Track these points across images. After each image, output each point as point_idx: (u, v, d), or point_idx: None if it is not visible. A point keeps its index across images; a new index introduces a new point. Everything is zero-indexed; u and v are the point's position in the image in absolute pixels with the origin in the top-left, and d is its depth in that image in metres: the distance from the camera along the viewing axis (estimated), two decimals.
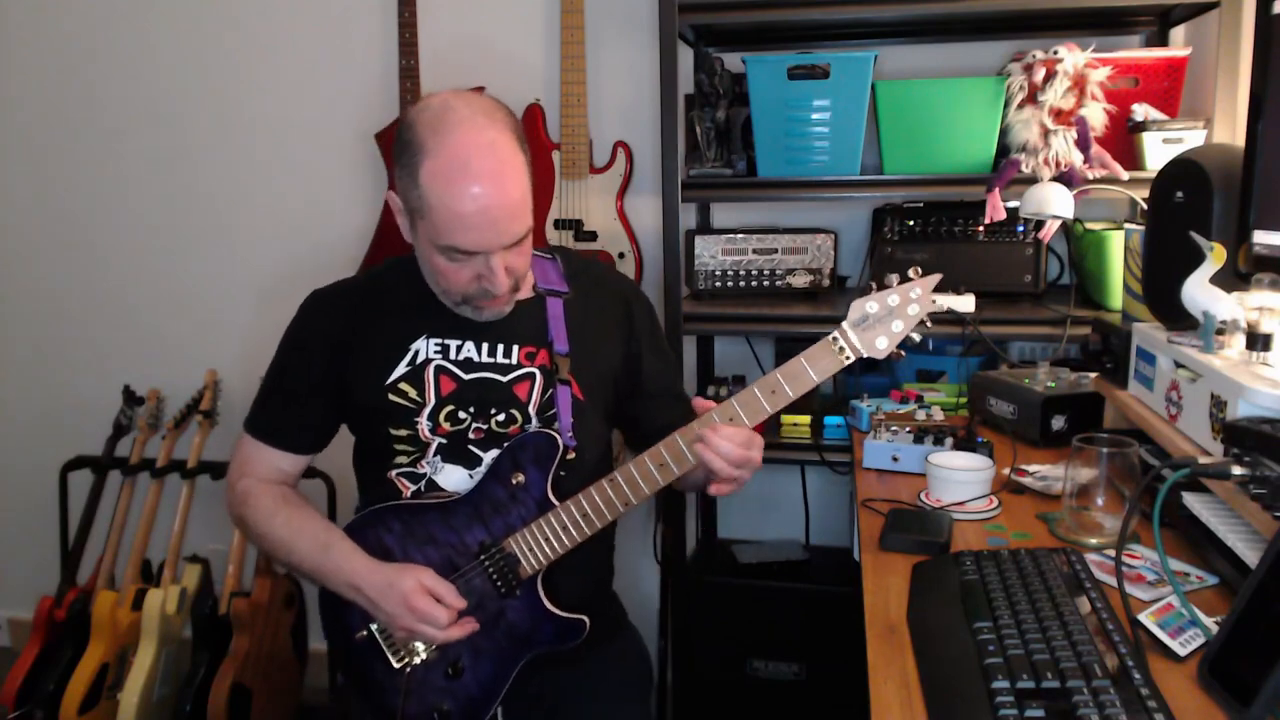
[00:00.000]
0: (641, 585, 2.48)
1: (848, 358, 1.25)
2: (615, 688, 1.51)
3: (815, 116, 2.00)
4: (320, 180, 2.62)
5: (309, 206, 2.64)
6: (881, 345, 1.25)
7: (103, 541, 2.52)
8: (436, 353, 1.41)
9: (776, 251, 2.15)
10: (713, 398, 2.19)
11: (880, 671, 0.98)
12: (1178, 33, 2.13)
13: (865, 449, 1.63)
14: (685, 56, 2.25)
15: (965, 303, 1.96)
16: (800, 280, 2.15)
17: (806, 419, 2.05)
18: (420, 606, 1.29)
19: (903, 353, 1.27)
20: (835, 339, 1.26)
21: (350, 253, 2.52)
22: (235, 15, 2.61)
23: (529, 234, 1.31)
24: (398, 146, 1.29)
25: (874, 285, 1.27)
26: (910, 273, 1.27)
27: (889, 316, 1.24)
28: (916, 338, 1.26)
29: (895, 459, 1.60)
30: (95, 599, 2.41)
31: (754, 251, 2.15)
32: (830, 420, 2.00)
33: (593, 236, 2.35)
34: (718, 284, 2.16)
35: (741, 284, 2.16)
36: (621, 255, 2.35)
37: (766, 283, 2.16)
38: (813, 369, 1.25)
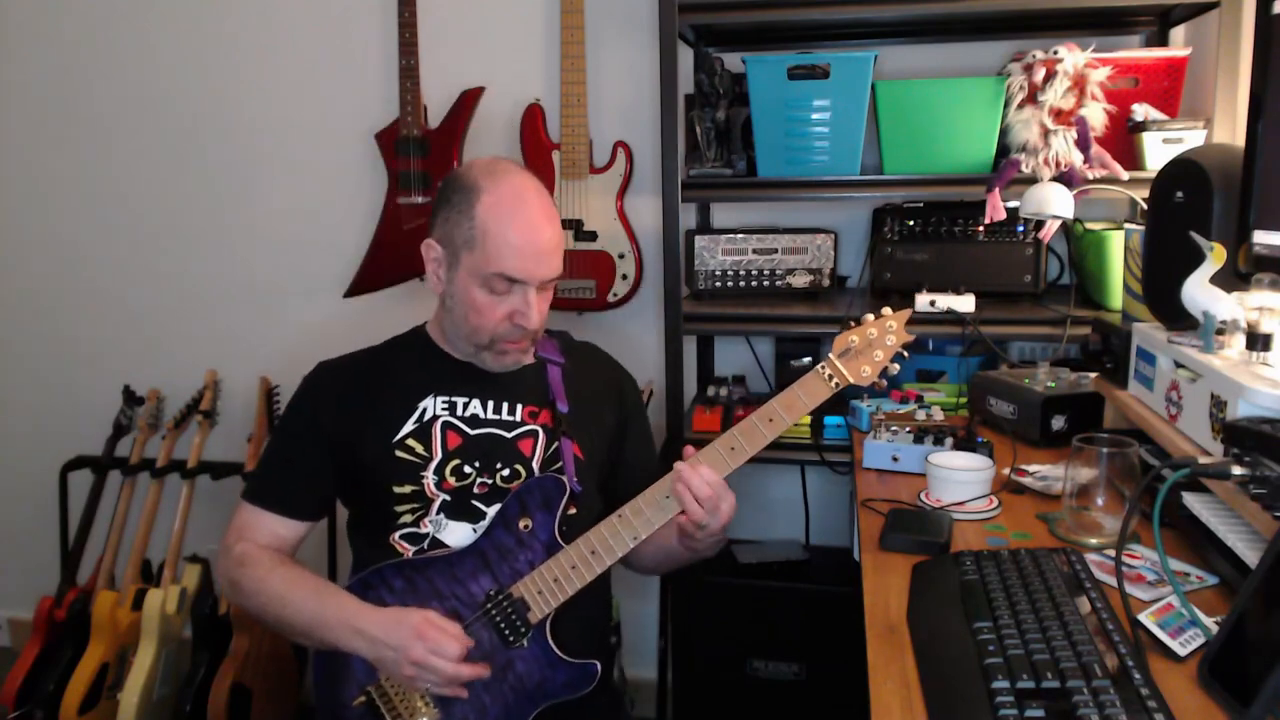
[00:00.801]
0: (642, 585, 2.48)
1: (837, 385, 1.35)
2: None
3: (815, 116, 2.00)
4: (320, 180, 2.62)
5: (309, 206, 2.64)
6: (866, 373, 1.35)
7: (103, 541, 2.52)
8: (444, 409, 1.44)
9: (776, 251, 2.15)
10: (712, 398, 2.21)
11: (880, 671, 0.98)
12: (1178, 33, 2.13)
13: (865, 449, 1.64)
14: (685, 56, 2.25)
15: (965, 303, 1.97)
16: (800, 280, 2.15)
17: (806, 419, 2.04)
18: (432, 636, 1.26)
19: (884, 382, 1.37)
20: (824, 368, 1.35)
21: (350, 252, 2.52)
22: (235, 15, 2.60)
23: (557, 280, 1.43)
24: (445, 193, 1.40)
25: (852, 322, 1.38)
26: (884, 310, 1.38)
27: (869, 348, 1.36)
28: (897, 367, 1.36)
29: (895, 459, 1.60)
30: (95, 599, 2.40)
31: (754, 251, 2.15)
32: (830, 420, 2.00)
33: (593, 237, 2.35)
34: (718, 284, 2.16)
35: (741, 284, 2.16)
36: (621, 255, 2.35)
37: (766, 283, 2.16)
38: (806, 397, 1.35)
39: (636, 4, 2.37)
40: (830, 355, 1.36)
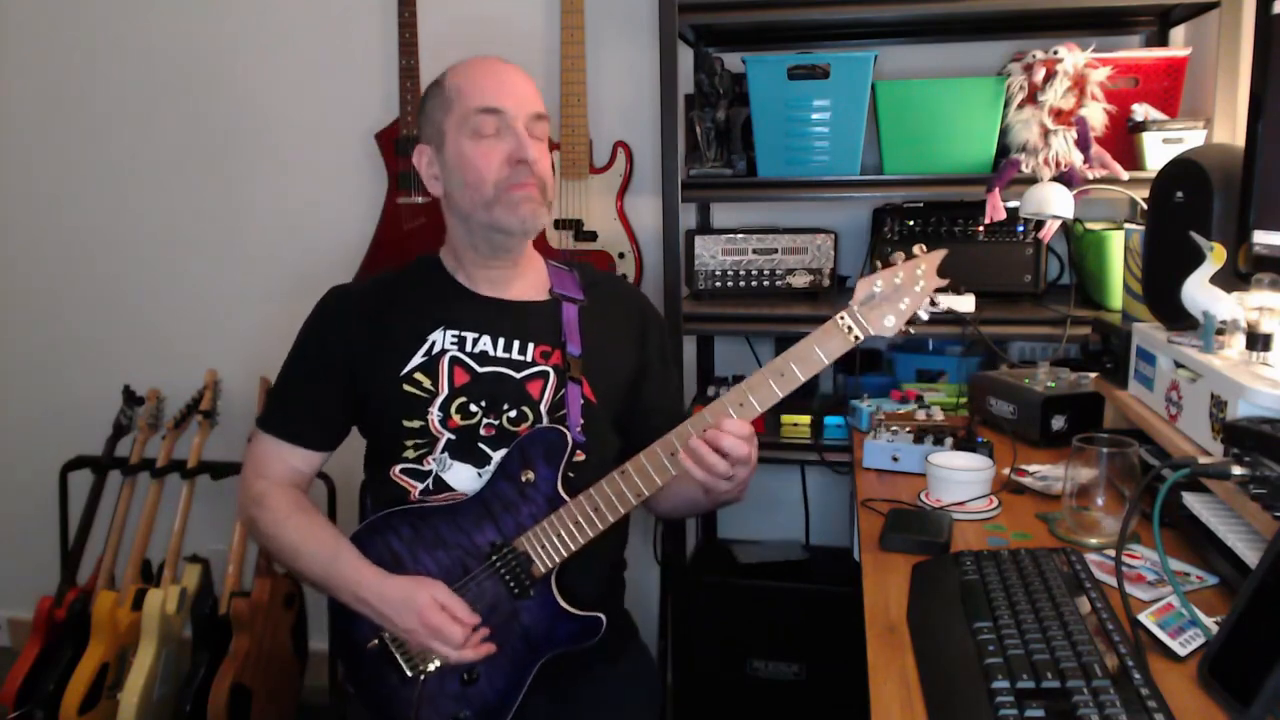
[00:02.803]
0: (641, 585, 2.48)
1: (856, 337, 1.24)
2: (626, 709, 1.50)
3: (815, 116, 2.00)
4: (320, 180, 2.62)
5: (309, 206, 2.64)
6: (889, 323, 1.23)
7: (103, 541, 2.52)
8: (453, 344, 1.42)
9: (776, 251, 2.15)
10: (713, 397, 2.21)
11: (880, 671, 0.98)
12: (1178, 33, 2.13)
13: (865, 449, 1.63)
14: (685, 56, 2.25)
15: (965, 303, 1.97)
16: (800, 280, 2.15)
17: (806, 419, 2.05)
18: (436, 623, 1.28)
19: (911, 330, 1.26)
20: (843, 318, 1.25)
21: (350, 252, 2.52)
22: (235, 15, 2.60)
23: (547, 136, 1.45)
24: (427, 103, 1.43)
25: (878, 264, 1.26)
26: (915, 249, 1.25)
27: (896, 294, 1.23)
28: (924, 315, 1.25)
29: (895, 459, 1.60)
30: (95, 599, 2.40)
31: (754, 251, 2.15)
32: (830, 420, 2.00)
33: (593, 236, 2.35)
34: (718, 284, 2.16)
35: (741, 284, 2.16)
36: (621, 255, 2.35)
37: (766, 283, 2.16)
38: (821, 350, 1.25)
39: (636, 4, 2.37)
40: (851, 303, 1.25)
